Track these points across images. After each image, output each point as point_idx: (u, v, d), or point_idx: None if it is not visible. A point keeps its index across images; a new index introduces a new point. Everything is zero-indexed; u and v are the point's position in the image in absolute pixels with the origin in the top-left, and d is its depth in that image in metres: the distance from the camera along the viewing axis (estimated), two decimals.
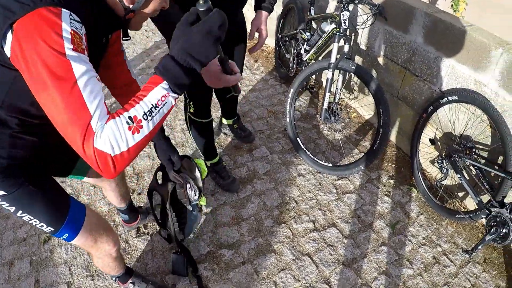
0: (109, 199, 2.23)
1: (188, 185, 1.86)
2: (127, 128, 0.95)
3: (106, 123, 0.95)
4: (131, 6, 1.14)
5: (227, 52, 2.32)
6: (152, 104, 0.97)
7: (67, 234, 1.50)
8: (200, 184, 1.94)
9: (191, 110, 2.39)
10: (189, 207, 1.95)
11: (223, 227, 2.54)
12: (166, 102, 0.99)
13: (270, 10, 2.31)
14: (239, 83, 1.35)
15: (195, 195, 1.89)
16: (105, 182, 2.04)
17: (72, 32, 0.96)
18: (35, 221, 1.42)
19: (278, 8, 4.30)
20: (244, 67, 4.40)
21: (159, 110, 0.98)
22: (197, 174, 1.93)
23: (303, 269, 2.32)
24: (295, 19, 3.72)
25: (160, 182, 1.97)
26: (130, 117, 0.95)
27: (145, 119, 0.96)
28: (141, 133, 0.97)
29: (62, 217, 1.47)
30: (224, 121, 3.17)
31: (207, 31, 0.95)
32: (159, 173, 1.98)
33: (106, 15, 1.16)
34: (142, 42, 5.01)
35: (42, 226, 1.44)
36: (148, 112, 0.97)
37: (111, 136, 0.93)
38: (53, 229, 1.46)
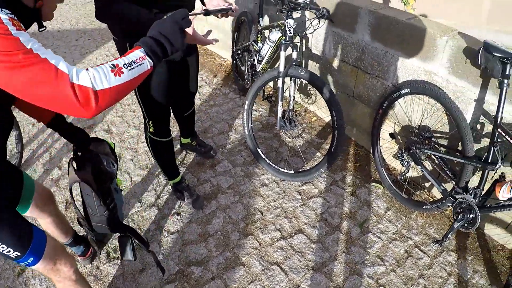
0: (53, 235, 2.19)
1: (105, 162, 1.89)
2: (110, 71, 1.10)
3: (86, 70, 1.07)
4: None
5: (182, 65, 2.41)
6: (131, 60, 1.16)
7: (32, 258, 1.56)
8: (113, 157, 1.95)
9: (151, 130, 2.42)
10: (114, 186, 1.93)
11: (191, 245, 2.52)
12: (143, 63, 1.18)
13: None
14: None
15: (114, 166, 1.92)
16: (41, 218, 2.06)
17: (10, 18, 1.03)
18: (2, 247, 1.46)
19: (232, 22, 4.35)
20: (204, 82, 4.44)
21: (137, 66, 1.16)
22: (108, 149, 1.94)
23: (272, 279, 2.31)
24: (247, 31, 3.75)
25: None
26: (113, 64, 1.12)
27: (126, 68, 1.13)
28: (122, 78, 1.12)
29: (28, 241, 1.53)
30: (182, 140, 3.17)
31: (174, 21, 1.28)
32: (73, 163, 1.92)
33: (19, 9, 1.22)
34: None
35: (8, 251, 1.47)
36: (128, 64, 1.14)
37: (93, 74, 1.06)
38: (19, 254, 1.50)
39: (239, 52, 3.89)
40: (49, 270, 1.68)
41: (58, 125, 1.83)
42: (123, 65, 1.13)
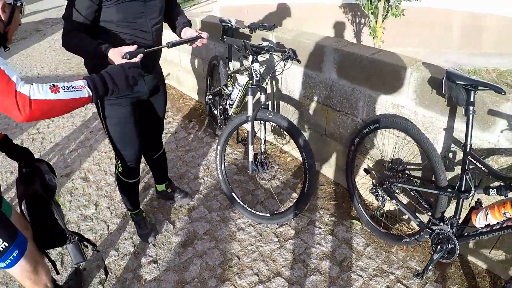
0: None
1: (47, 177, 2.00)
2: (48, 87, 1.39)
3: (32, 84, 1.38)
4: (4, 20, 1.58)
5: (148, 105, 2.54)
6: (71, 85, 1.45)
7: (16, 252, 1.71)
8: (53, 174, 2.09)
9: (120, 170, 2.54)
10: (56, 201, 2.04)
11: None
12: (81, 90, 1.47)
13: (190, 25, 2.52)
14: None
15: (55, 180, 2.06)
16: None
17: None
18: None
19: (204, 66, 4.44)
20: (180, 127, 4.48)
21: (75, 91, 1.45)
22: (47, 167, 2.08)
23: None
24: (219, 75, 3.82)
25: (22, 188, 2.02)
26: (52, 84, 1.41)
27: (63, 89, 1.42)
28: (57, 96, 1.40)
29: (14, 235, 1.72)
30: (158, 187, 3.16)
31: (122, 67, 1.62)
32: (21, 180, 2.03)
33: None
34: (81, 114, 5.03)
35: None
36: (67, 87, 1.43)
37: (33, 87, 1.36)
38: (7, 245, 1.67)
39: (212, 96, 3.94)
40: (29, 272, 1.81)
41: (5, 146, 1.96)
42: (62, 86, 1.42)
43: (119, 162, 2.53)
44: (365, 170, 2.95)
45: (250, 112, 2.68)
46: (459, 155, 2.36)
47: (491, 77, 7.41)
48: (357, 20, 8.47)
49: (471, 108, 2.02)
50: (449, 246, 2.21)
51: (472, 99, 2.01)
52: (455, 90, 2.05)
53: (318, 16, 8.49)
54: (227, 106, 3.49)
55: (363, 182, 3.04)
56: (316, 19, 8.52)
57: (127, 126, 2.35)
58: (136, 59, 1.80)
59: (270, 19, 8.05)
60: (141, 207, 2.94)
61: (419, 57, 2.59)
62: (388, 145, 2.73)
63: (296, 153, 3.61)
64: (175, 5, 2.50)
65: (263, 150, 2.82)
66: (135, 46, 1.87)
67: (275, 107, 3.64)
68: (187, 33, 2.35)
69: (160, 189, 3.17)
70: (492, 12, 9.05)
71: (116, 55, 1.84)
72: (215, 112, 3.84)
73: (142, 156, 2.67)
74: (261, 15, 8.12)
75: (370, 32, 6.47)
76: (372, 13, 6.39)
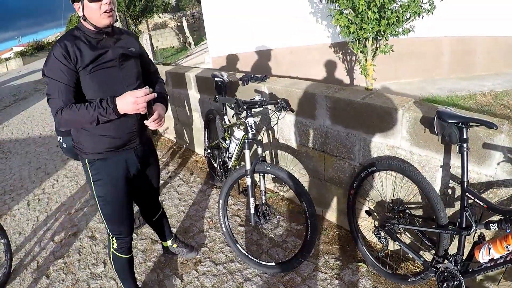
0: None
1: None
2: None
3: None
4: None
5: (141, 178, 2.60)
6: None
7: None
8: None
9: (115, 246, 2.54)
10: None
11: None
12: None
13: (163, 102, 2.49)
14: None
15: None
16: None
17: None
18: None
19: (201, 119, 4.60)
20: (181, 181, 4.59)
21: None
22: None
23: None
24: (216, 129, 3.98)
25: None
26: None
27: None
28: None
29: None
30: (163, 244, 3.25)
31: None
32: None
33: None
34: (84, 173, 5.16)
35: None
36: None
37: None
38: None
39: (211, 149, 4.09)
40: None
41: None
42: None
43: (113, 238, 2.52)
44: (366, 212, 3.03)
45: (248, 166, 2.81)
46: (458, 191, 2.41)
47: (487, 100, 7.51)
48: (348, 58, 8.69)
49: (464, 145, 2.08)
50: (455, 283, 2.23)
51: (465, 136, 2.08)
52: (447, 128, 2.12)
53: (309, 58, 8.71)
54: (226, 159, 3.63)
55: (365, 224, 3.11)
56: (308, 61, 8.74)
57: (118, 201, 2.39)
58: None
59: (263, 65, 8.32)
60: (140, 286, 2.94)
61: (413, 87, 2.70)
62: (387, 186, 2.82)
63: (297, 200, 3.71)
64: (150, 72, 2.57)
65: (264, 201, 2.93)
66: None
67: (273, 156, 3.77)
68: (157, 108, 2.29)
69: (166, 245, 3.25)
70: (479, 34, 9.30)
71: (128, 97, 2.04)
72: (215, 164, 3.98)
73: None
74: (254, 61, 8.36)
75: (361, 71, 6.63)
76: (361, 52, 6.57)
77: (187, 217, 3.90)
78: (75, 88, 2.07)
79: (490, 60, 9.45)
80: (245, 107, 2.79)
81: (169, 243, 3.22)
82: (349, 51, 8.52)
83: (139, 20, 15.97)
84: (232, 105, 2.83)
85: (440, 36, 8.91)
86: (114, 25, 2.20)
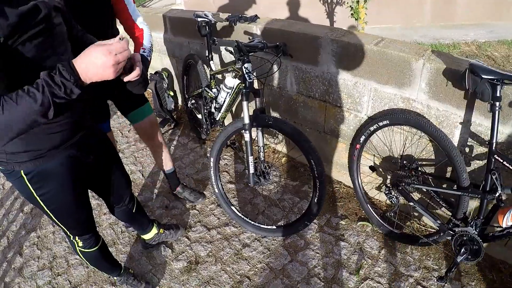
0: None
1: None
2: None
3: None
4: None
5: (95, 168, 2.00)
6: None
7: None
8: None
9: (80, 245, 2.12)
10: None
11: None
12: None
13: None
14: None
15: None
16: None
17: None
18: None
19: (178, 66, 4.22)
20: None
21: None
22: None
23: None
24: (198, 76, 3.61)
25: None
26: None
27: None
28: None
29: None
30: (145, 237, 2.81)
31: None
32: None
33: None
34: None
35: None
36: None
37: None
38: None
39: (193, 99, 3.72)
40: None
41: None
42: None
43: (75, 238, 2.08)
44: (371, 167, 2.85)
45: (246, 119, 2.48)
46: (477, 150, 2.28)
47: (471, 49, 7.46)
48: (329, 0, 8.36)
49: (497, 103, 1.91)
50: (474, 247, 2.15)
51: (498, 94, 1.89)
52: (480, 84, 1.93)
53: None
54: (213, 110, 3.30)
55: (368, 180, 2.94)
56: (286, 2, 8.37)
57: (71, 192, 1.82)
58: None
59: (239, 5, 7.87)
60: (123, 265, 2.57)
61: (394, 33, 2.48)
62: (397, 141, 2.62)
63: (293, 152, 3.47)
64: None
65: (262, 158, 2.65)
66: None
67: (264, 106, 3.47)
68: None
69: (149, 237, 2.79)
70: None
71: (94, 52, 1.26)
72: (199, 116, 3.64)
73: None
74: (228, 4, 7.91)
75: (352, 14, 6.34)
76: None
77: None
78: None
79: (472, 10, 9.43)
80: (247, 49, 2.43)
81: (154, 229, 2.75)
82: None
83: None
84: (232, 49, 2.45)
85: None
86: None
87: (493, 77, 1.86)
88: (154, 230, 2.69)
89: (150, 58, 2.29)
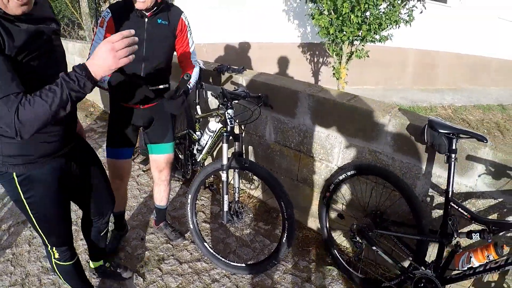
0: None
1: None
2: None
3: None
4: None
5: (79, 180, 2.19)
6: None
7: None
8: None
9: (56, 256, 2.20)
10: None
11: None
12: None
13: None
14: None
15: None
16: None
17: None
18: None
19: None
20: (141, 171, 4.39)
21: None
22: None
23: None
24: (183, 118, 3.81)
25: None
26: None
27: None
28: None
29: None
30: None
31: None
32: None
33: None
34: None
35: None
36: None
37: None
38: None
39: (177, 140, 3.91)
40: None
41: None
42: None
43: (52, 248, 2.15)
44: (339, 215, 3.01)
45: (225, 161, 2.67)
46: (437, 200, 2.48)
47: (447, 113, 7.80)
48: (315, 60, 8.74)
49: (453, 155, 2.14)
50: None
51: (454, 147, 2.13)
52: (437, 138, 2.17)
53: (278, 55, 8.70)
54: (195, 152, 3.49)
55: (337, 227, 3.10)
56: (276, 58, 8.72)
57: (56, 199, 1.98)
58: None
59: (230, 58, 8.20)
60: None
61: (376, 94, 2.74)
62: (366, 190, 2.82)
63: (265, 195, 3.64)
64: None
65: (237, 199, 2.82)
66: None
67: (243, 152, 3.67)
68: None
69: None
70: (444, 50, 9.65)
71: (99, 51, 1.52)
72: (181, 156, 3.82)
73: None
74: (221, 54, 8.22)
75: (334, 74, 6.65)
76: (336, 54, 6.58)
77: (148, 210, 3.71)
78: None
79: (451, 75, 9.84)
80: (230, 96, 2.65)
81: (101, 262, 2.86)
82: (317, 52, 8.57)
83: None
84: (217, 95, 2.67)
85: (407, 48, 9.15)
86: None
87: (449, 131, 2.11)
88: (101, 262, 2.79)
89: (191, 89, 2.62)
